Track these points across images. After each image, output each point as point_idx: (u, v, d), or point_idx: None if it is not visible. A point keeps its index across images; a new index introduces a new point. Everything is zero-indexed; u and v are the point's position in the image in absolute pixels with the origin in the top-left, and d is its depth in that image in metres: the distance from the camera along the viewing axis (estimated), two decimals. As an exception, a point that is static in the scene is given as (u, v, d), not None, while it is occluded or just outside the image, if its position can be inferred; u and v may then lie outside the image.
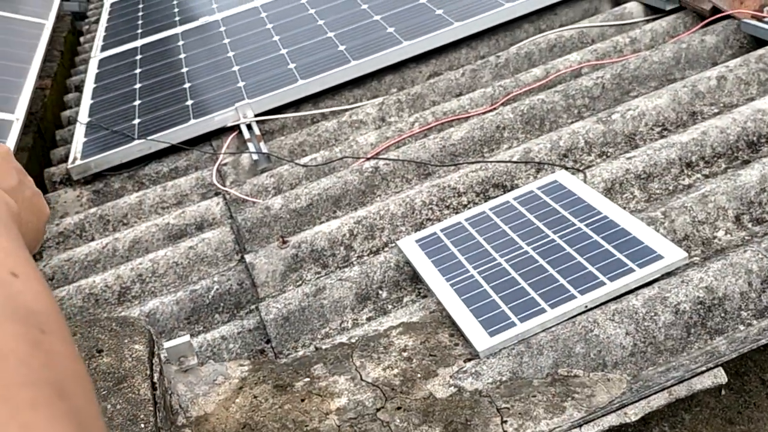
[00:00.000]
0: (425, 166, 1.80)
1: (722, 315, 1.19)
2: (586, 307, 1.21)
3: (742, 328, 1.18)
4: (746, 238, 1.34)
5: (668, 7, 2.12)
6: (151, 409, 0.98)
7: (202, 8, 3.15)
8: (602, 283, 1.23)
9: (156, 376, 1.05)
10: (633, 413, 1.05)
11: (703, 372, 1.10)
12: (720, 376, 1.12)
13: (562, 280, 1.25)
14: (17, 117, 2.22)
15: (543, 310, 1.20)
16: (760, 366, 1.79)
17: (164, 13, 3.24)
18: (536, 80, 2.00)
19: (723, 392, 1.74)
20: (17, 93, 2.40)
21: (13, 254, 0.39)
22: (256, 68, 2.43)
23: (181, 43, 2.83)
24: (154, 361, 1.07)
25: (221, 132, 2.23)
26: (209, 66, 2.55)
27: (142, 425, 0.96)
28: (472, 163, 1.70)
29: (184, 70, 2.58)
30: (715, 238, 1.35)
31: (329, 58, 2.34)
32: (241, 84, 2.34)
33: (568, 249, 1.32)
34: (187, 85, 2.44)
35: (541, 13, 2.36)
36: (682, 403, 1.37)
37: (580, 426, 1.04)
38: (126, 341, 1.08)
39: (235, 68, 2.47)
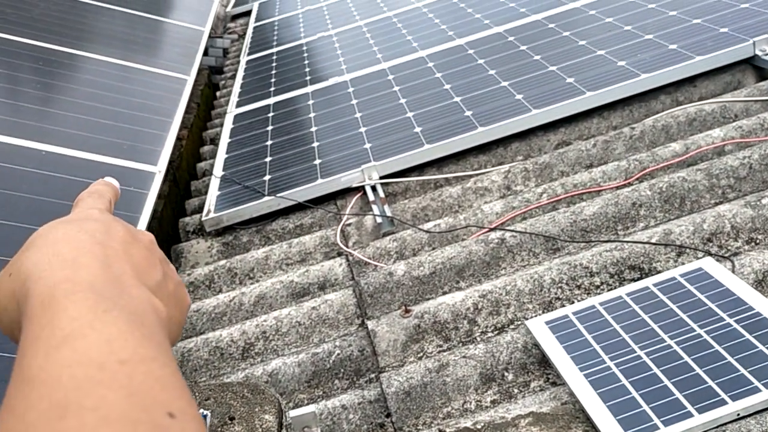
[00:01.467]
0: (554, 241, 1.74)
1: None
2: (738, 415, 1.10)
3: None
4: None
5: (824, 83, 1.98)
6: (279, 484, 0.97)
7: (332, 69, 3.27)
8: (756, 390, 1.12)
9: (284, 448, 1.05)
10: None
11: None
12: None
13: (710, 382, 1.16)
14: (159, 169, 2.36)
15: (689, 414, 1.11)
16: None
17: (296, 72, 3.39)
18: (675, 156, 1.91)
19: None
20: (160, 146, 2.56)
21: (170, 386, 0.35)
22: (383, 130, 2.47)
23: (311, 102, 2.94)
24: (282, 433, 1.08)
25: (346, 192, 2.28)
26: (337, 126, 2.63)
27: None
28: (607, 242, 1.63)
29: (313, 129, 2.66)
30: None
31: (455, 124, 2.35)
32: (367, 146, 2.39)
33: (717, 347, 1.22)
34: (315, 144, 2.52)
35: (679, 85, 2.27)
36: None
37: None
38: (257, 410, 1.08)
39: (362, 129, 2.53)
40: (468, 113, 2.39)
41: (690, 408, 1.12)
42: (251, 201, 2.23)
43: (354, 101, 2.81)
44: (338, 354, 1.59)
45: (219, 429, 1.05)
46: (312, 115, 2.80)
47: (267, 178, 2.37)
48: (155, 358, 0.36)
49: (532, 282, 1.59)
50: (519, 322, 1.54)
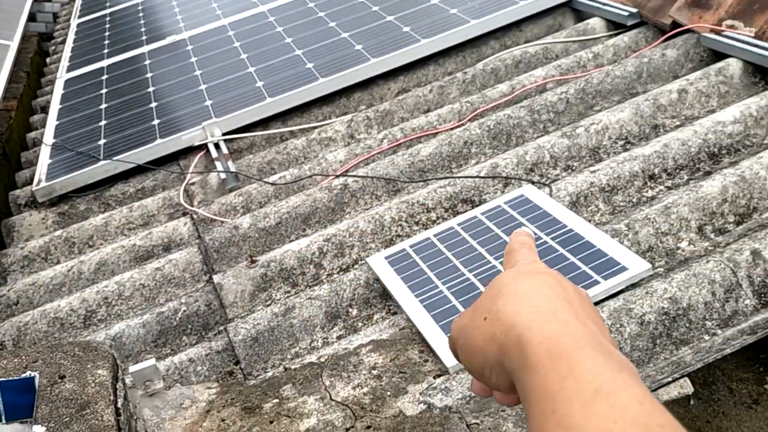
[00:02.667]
0: (394, 183, 1.80)
1: (687, 325, 1.21)
2: (554, 320, 1.21)
3: (707, 338, 1.20)
4: (709, 248, 1.36)
5: (630, 23, 2.16)
6: (115, 435, 0.96)
7: (170, 27, 3.14)
8: (569, 296, 1.23)
9: (120, 401, 1.03)
10: (601, 426, 1.05)
11: (669, 383, 1.11)
12: (687, 387, 1.13)
13: (529, 294, 1.26)
14: (-21, 139, 2.18)
15: (511, 325, 1.20)
16: (728, 375, 1.81)
17: (131, 33, 3.22)
18: (502, 96, 2.02)
19: (692, 402, 1.76)
20: (-21, 115, 2.35)
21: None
22: (224, 86, 2.42)
23: (147, 62, 2.81)
24: (118, 386, 1.05)
25: (189, 151, 2.22)
26: (176, 85, 2.54)
27: (106, 453, 0.94)
28: (441, 178, 1.71)
29: (151, 89, 2.56)
30: (678, 249, 1.37)
31: (297, 76, 2.34)
32: (208, 102, 2.33)
33: (536, 263, 1.32)
34: (153, 105, 2.42)
35: (507, 30, 2.39)
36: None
37: (550, 440, 1.04)
38: (89, 366, 1.05)
39: (203, 87, 2.46)
40: (309, 65, 2.39)
41: (512, 319, 1.21)
42: (86, 167, 2.12)
43: (194, 59, 2.72)
44: (185, 311, 1.57)
45: (48, 389, 1.01)
46: (149, 75, 2.69)
47: (102, 142, 2.25)
48: (679, 426, 0.37)
49: (374, 222, 1.64)
50: (363, 262, 1.59)
